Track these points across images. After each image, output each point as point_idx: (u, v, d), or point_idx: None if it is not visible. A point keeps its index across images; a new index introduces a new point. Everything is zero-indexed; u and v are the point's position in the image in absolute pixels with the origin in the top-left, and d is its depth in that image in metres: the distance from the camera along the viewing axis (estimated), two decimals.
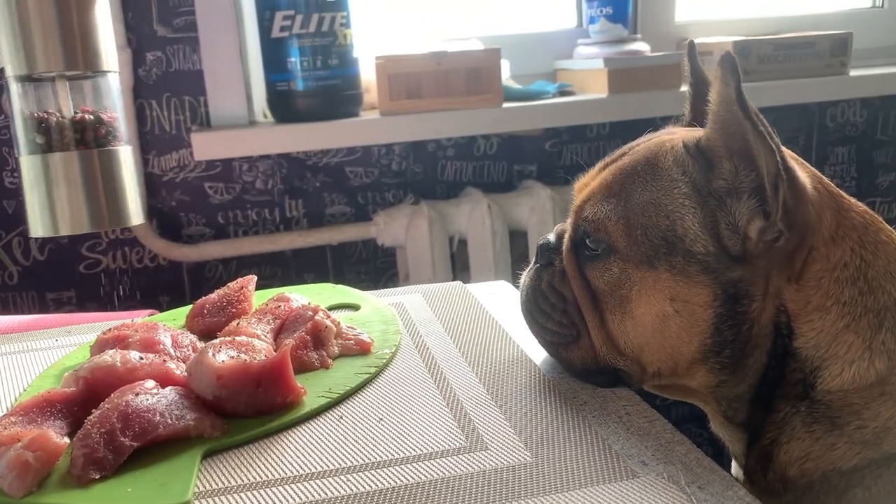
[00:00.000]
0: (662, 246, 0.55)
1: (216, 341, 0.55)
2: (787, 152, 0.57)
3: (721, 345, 0.56)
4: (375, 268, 1.46)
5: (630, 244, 0.56)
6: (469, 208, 1.38)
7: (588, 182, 0.62)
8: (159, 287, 1.38)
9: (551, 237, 0.63)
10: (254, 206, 1.38)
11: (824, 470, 0.53)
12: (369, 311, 0.70)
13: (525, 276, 0.65)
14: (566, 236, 0.61)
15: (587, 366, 0.59)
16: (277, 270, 1.41)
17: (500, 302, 0.75)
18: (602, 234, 0.57)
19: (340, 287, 0.77)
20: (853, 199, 0.59)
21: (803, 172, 0.57)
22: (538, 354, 0.63)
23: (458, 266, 1.42)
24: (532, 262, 0.65)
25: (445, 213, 1.38)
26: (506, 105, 1.37)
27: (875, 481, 0.51)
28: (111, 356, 0.54)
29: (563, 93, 1.49)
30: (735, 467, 0.62)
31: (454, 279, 1.41)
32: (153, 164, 1.32)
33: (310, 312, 0.62)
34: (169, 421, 0.49)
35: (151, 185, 1.32)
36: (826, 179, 0.59)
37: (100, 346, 0.60)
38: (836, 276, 0.55)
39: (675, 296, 0.55)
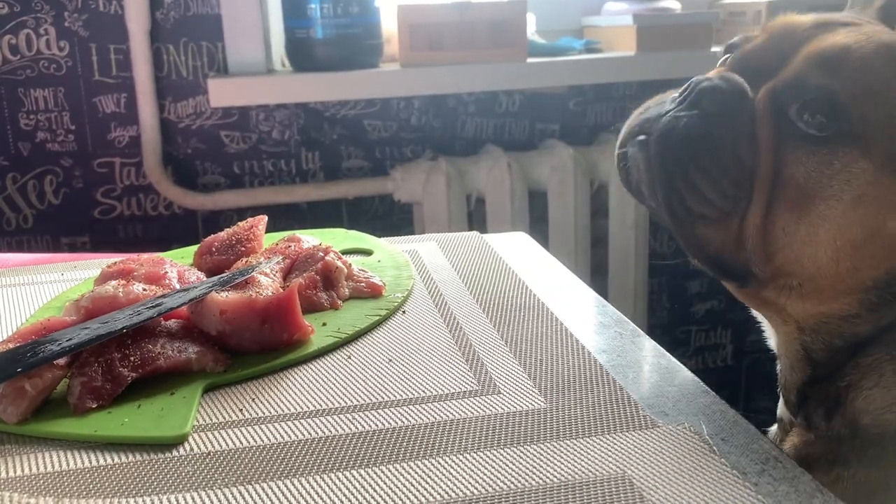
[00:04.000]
0: None
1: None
2: None
3: None
4: (392, 224, 1.44)
5: (887, 140, 0.45)
6: (488, 166, 1.35)
7: (807, 30, 0.49)
8: (174, 235, 1.36)
9: (721, 83, 0.50)
10: (270, 157, 1.36)
11: None
12: (382, 257, 0.68)
13: (660, 111, 0.51)
14: (763, 92, 0.49)
15: (723, 252, 0.50)
16: (292, 223, 1.39)
17: (518, 252, 0.73)
18: (855, 113, 0.45)
19: (353, 232, 0.75)
20: None
21: None
22: (555, 303, 0.60)
23: (476, 225, 1.39)
24: (680, 98, 0.51)
25: (464, 171, 1.36)
26: (530, 60, 1.34)
27: None
28: (113, 287, 0.52)
29: (589, 50, 1.45)
30: (781, 406, 0.57)
31: None
32: (169, 109, 1.30)
33: (320, 253, 0.60)
34: (170, 353, 0.47)
35: (167, 131, 1.31)
36: None
37: (104, 279, 0.58)
38: None
39: (879, 208, 0.45)
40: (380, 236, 0.74)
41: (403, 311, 0.59)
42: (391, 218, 1.43)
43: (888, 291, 0.49)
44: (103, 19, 1.24)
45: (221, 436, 0.43)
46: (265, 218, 0.68)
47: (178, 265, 0.60)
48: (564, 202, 1.37)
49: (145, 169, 1.29)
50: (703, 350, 1.64)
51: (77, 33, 1.24)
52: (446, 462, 0.40)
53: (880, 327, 0.50)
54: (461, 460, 0.40)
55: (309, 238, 0.65)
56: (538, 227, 1.42)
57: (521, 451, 0.41)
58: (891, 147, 0.45)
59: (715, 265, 0.51)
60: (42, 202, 1.30)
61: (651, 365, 0.51)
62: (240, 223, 0.67)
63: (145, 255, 0.62)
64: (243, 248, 0.63)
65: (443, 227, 1.35)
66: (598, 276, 1.45)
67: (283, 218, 1.38)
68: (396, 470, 0.40)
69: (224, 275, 0.55)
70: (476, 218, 1.39)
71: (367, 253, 0.70)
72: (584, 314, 0.59)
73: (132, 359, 0.46)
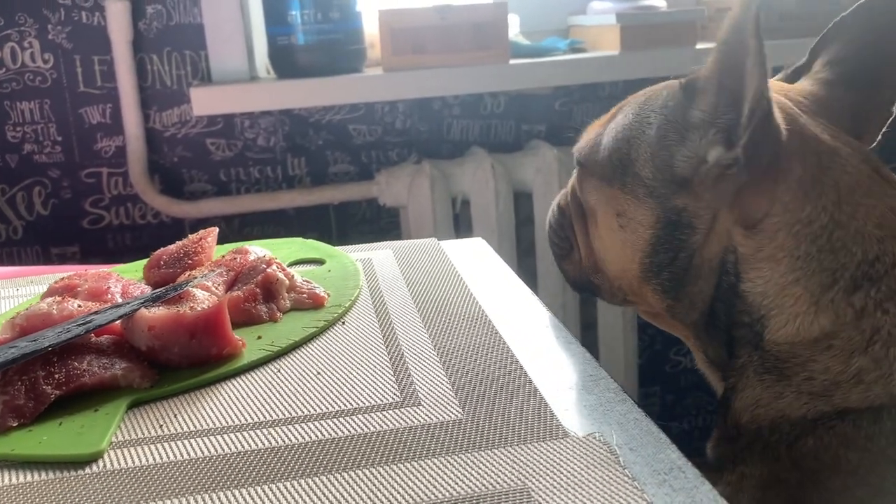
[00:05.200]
0: (619, 166, 0.61)
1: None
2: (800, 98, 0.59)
3: (659, 266, 0.60)
4: (379, 228, 1.44)
5: (595, 164, 0.64)
6: (472, 168, 1.35)
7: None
8: (162, 244, 1.37)
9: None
10: (256, 164, 1.37)
11: (773, 417, 0.53)
12: (333, 266, 0.69)
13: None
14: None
15: (577, 277, 0.69)
16: (280, 229, 1.40)
17: (472, 259, 0.73)
18: (583, 158, 0.65)
19: (310, 241, 0.76)
20: (860, 158, 0.56)
21: (807, 120, 0.57)
22: (496, 312, 0.60)
23: (462, 227, 1.40)
24: None
25: (448, 173, 1.36)
26: (513, 62, 1.34)
27: (827, 432, 0.51)
28: (48, 304, 0.53)
29: (574, 50, 1.45)
30: None
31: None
32: (154, 119, 1.31)
33: (263, 265, 0.61)
34: (95, 370, 0.48)
35: (153, 140, 1.32)
36: (833, 137, 0.57)
37: (49, 295, 0.59)
38: (795, 230, 0.53)
39: (622, 212, 0.61)
40: (367, 241, 0.75)
41: (343, 322, 0.59)
42: (379, 222, 1.44)
43: (661, 280, 0.60)
44: (86, 31, 1.26)
45: (138, 452, 0.44)
46: (215, 230, 0.68)
47: (125, 280, 0.61)
48: (550, 203, 1.37)
49: (131, 179, 1.30)
50: None
51: (61, 45, 1.26)
52: (349, 476, 0.41)
53: (712, 312, 0.58)
54: (365, 474, 0.41)
55: (257, 249, 0.66)
56: (525, 228, 1.42)
57: (428, 464, 0.41)
58: (602, 171, 0.63)
59: (576, 286, 0.71)
60: (31, 213, 1.32)
61: (578, 373, 0.51)
62: (190, 236, 0.67)
63: (92, 271, 0.63)
64: (190, 262, 0.64)
65: (429, 230, 1.35)
66: None
67: (270, 224, 1.39)
68: (299, 486, 0.40)
69: (158, 290, 0.56)
70: (462, 220, 1.40)
71: (321, 262, 0.71)
72: (522, 322, 0.59)
73: (56, 376, 0.47)
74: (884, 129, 0.63)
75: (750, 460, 0.53)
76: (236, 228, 1.38)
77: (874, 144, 0.63)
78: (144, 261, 0.69)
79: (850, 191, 0.54)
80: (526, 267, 1.41)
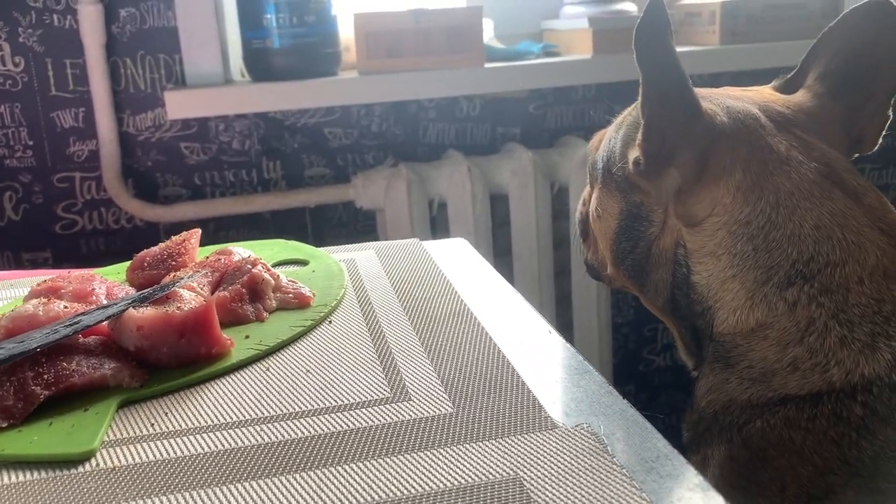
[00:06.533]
0: (604, 165, 0.69)
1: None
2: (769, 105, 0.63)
3: (623, 253, 0.67)
4: (356, 231, 1.44)
5: (594, 165, 0.73)
6: (449, 171, 1.36)
7: None
8: (136, 248, 1.36)
9: None
10: (231, 167, 1.37)
11: (724, 402, 0.57)
12: (316, 267, 0.69)
13: None
14: None
15: (590, 262, 0.78)
16: (256, 233, 1.39)
17: (455, 258, 0.73)
18: (589, 168, 0.75)
19: (293, 243, 0.76)
20: (814, 165, 0.59)
21: (769, 130, 0.60)
22: (481, 309, 0.61)
23: (439, 230, 1.40)
24: None
25: (425, 176, 1.36)
26: (487, 65, 1.35)
27: (773, 415, 0.54)
28: (34, 305, 0.53)
29: (547, 53, 1.47)
30: None
31: None
32: (128, 123, 1.31)
33: (248, 266, 0.61)
34: (84, 370, 0.48)
35: (126, 144, 1.31)
36: (791, 147, 0.60)
37: (32, 297, 0.59)
38: (733, 229, 0.58)
39: (600, 203, 0.69)
40: (344, 243, 0.76)
41: (330, 321, 0.60)
42: (355, 225, 1.44)
43: (626, 266, 0.67)
44: (58, 34, 1.25)
45: (130, 450, 0.44)
46: (198, 231, 0.68)
47: (108, 281, 0.61)
48: (525, 205, 1.39)
49: (105, 183, 1.29)
50: (671, 347, 1.65)
51: (32, 49, 1.25)
52: (343, 470, 0.41)
53: (672, 298, 0.64)
54: (359, 468, 0.41)
55: (241, 250, 0.66)
56: (501, 230, 1.43)
57: (421, 457, 0.42)
58: (594, 169, 0.72)
59: (588, 270, 0.80)
60: (2, 219, 1.30)
61: (563, 367, 0.52)
62: (173, 237, 0.67)
63: (76, 272, 0.62)
64: (174, 263, 0.64)
65: (406, 232, 1.36)
66: (561, 277, 1.46)
67: (245, 228, 1.39)
68: (293, 480, 0.41)
69: (145, 290, 0.56)
70: (439, 223, 1.40)
71: (304, 263, 0.71)
72: (506, 318, 0.60)
73: (45, 377, 0.47)
74: (883, 133, 0.66)
75: (710, 442, 0.58)
76: (211, 232, 1.37)
77: (875, 148, 0.66)
78: (126, 263, 0.68)
79: (789, 195, 0.58)
80: (502, 269, 1.42)
